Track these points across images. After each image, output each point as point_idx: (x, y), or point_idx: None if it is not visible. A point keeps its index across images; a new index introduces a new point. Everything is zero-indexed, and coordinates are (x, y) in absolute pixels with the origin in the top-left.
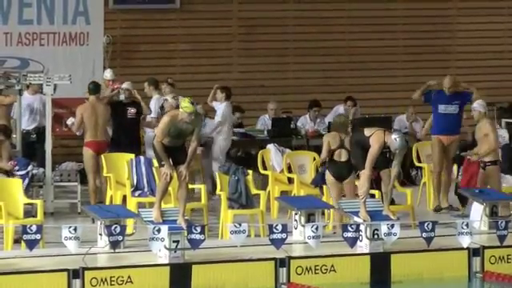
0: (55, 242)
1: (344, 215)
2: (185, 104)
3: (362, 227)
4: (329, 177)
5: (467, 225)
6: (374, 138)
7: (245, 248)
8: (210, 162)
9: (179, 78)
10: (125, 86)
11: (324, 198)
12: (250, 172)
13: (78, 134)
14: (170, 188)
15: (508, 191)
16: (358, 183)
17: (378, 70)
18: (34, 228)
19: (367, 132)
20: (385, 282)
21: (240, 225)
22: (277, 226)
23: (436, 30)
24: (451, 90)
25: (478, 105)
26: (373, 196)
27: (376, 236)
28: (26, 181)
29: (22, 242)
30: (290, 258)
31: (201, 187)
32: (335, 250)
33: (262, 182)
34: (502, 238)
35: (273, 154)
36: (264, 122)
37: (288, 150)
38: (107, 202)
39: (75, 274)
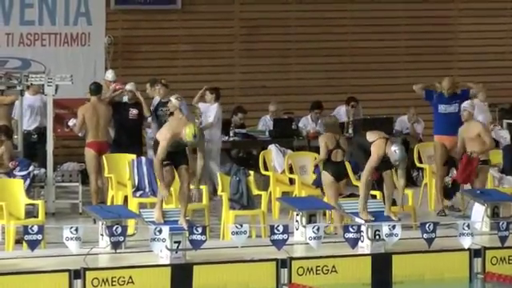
0: (56, 242)
1: (345, 216)
2: (188, 132)
3: (363, 228)
4: (327, 177)
5: (468, 226)
6: (375, 146)
7: (246, 249)
8: (208, 164)
9: (181, 79)
10: (128, 87)
11: (325, 199)
12: (252, 173)
13: (80, 134)
14: (171, 189)
15: (510, 192)
16: (359, 185)
17: (380, 70)
18: (35, 228)
19: (369, 137)
20: (386, 282)
21: (241, 225)
22: (278, 226)
23: (438, 30)
24: (450, 91)
25: (467, 105)
26: (374, 197)
27: (377, 237)
28: (28, 181)
29: (24, 242)
30: (292, 258)
31: (203, 188)
32: (336, 250)
33: (264, 183)
34: (503, 239)
35: (274, 155)
36: (265, 123)
37: (289, 151)
38: (108, 203)
39: (76, 274)
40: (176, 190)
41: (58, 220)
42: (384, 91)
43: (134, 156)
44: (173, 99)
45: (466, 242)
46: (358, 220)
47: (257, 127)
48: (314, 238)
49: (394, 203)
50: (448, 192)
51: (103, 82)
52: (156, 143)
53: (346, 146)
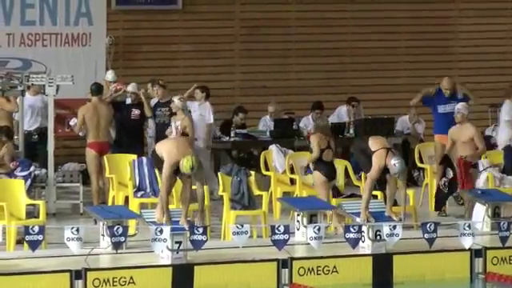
0: (57, 242)
1: (346, 215)
2: (186, 164)
3: (364, 228)
4: (319, 177)
5: (469, 226)
6: (376, 157)
7: (247, 249)
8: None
9: (181, 79)
10: (130, 88)
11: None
12: (253, 173)
13: (80, 134)
14: (172, 189)
15: (511, 192)
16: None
17: (381, 70)
18: (36, 229)
19: (371, 144)
20: (387, 282)
21: (242, 226)
22: (279, 226)
23: (438, 31)
24: (449, 91)
25: (462, 107)
26: (375, 197)
27: (378, 237)
28: (29, 182)
29: (25, 242)
30: (293, 258)
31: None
32: (337, 250)
33: (265, 183)
34: (504, 239)
35: (275, 155)
36: (265, 123)
37: (290, 151)
38: (109, 203)
39: (77, 274)
40: (177, 191)
41: (59, 220)
42: (385, 91)
43: (135, 156)
44: (176, 100)
45: (467, 242)
46: (358, 220)
47: (257, 127)
48: (315, 239)
49: (395, 203)
50: (439, 198)
51: (104, 82)
52: (155, 155)
53: (335, 147)
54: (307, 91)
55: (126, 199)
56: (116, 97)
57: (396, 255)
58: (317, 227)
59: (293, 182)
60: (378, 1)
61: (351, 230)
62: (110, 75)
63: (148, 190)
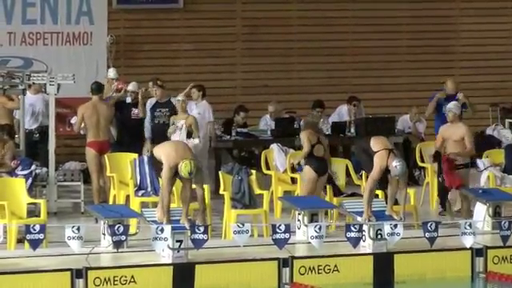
0: (58, 241)
1: (347, 214)
2: (184, 169)
3: (365, 227)
4: (310, 172)
5: (470, 225)
6: (378, 158)
7: (248, 248)
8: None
9: (183, 78)
10: (130, 87)
11: (327, 198)
12: (254, 172)
13: (81, 132)
14: (173, 188)
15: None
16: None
17: (382, 70)
18: (37, 228)
19: (373, 145)
20: (388, 282)
21: (243, 225)
22: (280, 225)
23: (439, 30)
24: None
25: (453, 106)
26: (376, 196)
27: (379, 236)
28: (30, 180)
29: (26, 241)
30: (293, 257)
31: (204, 187)
32: (338, 250)
33: (265, 182)
34: (505, 238)
35: (276, 154)
36: (266, 122)
37: (291, 150)
38: (110, 202)
39: (78, 273)
40: (178, 190)
41: (60, 219)
42: (386, 90)
43: (135, 155)
44: (180, 97)
45: (468, 242)
46: (359, 220)
47: (258, 126)
48: (316, 238)
49: (395, 203)
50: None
51: (105, 80)
52: (154, 158)
53: (325, 143)
54: (308, 90)
55: (127, 198)
56: (119, 97)
57: (397, 254)
58: (318, 226)
59: (294, 180)
60: (379, 0)
61: (352, 229)
62: (111, 73)
63: (149, 188)
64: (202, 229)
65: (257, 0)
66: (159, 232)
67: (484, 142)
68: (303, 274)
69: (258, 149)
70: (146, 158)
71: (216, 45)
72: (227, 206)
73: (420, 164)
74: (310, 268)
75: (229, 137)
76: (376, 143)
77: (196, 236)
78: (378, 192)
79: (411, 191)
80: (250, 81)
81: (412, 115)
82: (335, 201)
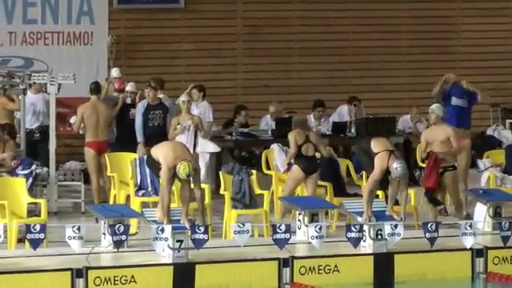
0: (59, 241)
1: (347, 215)
2: (182, 171)
3: (365, 227)
4: (297, 171)
5: (471, 225)
6: (379, 159)
7: (248, 248)
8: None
9: (184, 78)
10: (129, 88)
11: (327, 198)
12: (254, 172)
13: (80, 132)
14: (173, 188)
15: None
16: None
17: (382, 70)
18: (37, 227)
19: (374, 146)
20: (388, 282)
21: (243, 225)
22: (280, 226)
23: (440, 30)
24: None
25: (436, 107)
26: (376, 196)
27: (379, 236)
28: (30, 180)
29: (26, 241)
30: (294, 257)
31: (204, 187)
32: (339, 250)
33: (266, 182)
34: (505, 239)
35: (276, 154)
36: (267, 122)
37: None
38: (111, 202)
39: (79, 273)
40: (177, 189)
41: (61, 219)
42: (386, 90)
43: (136, 155)
44: (185, 99)
45: (468, 242)
46: (360, 220)
47: (259, 126)
48: (316, 238)
49: (396, 203)
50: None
51: (106, 80)
52: (151, 159)
53: (316, 140)
54: (309, 90)
55: (128, 198)
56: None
57: (397, 254)
58: (318, 226)
59: None
60: (380, 0)
61: (353, 229)
62: (115, 72)
63: (149, 188)
64: (202, 229)
65: (258, 0)
66: (159, 232)
67: (484, 143)
68: (303, 274)
69: (259, 149)
70: (146, 158)
71: (217, 45)
72: (228, 206)
73: (420, 164)
74: (310, 268)
75: (229, 137)
76: (376, 144)
77: (196, 236)
78: (379, 192)
79: (411, 191)
80: (250, 81)
81: (412, 115)
82: (335, 201)
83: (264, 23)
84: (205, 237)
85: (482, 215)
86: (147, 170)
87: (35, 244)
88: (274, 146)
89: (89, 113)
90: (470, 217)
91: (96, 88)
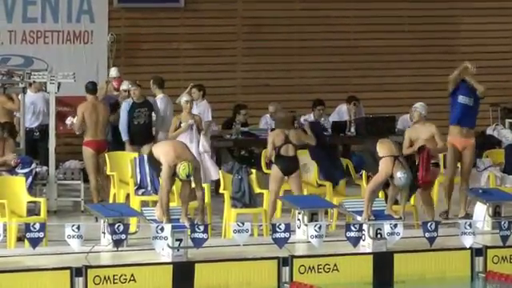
0: (58, 240)
1: (347, 214)
2: (182, 172)
3: (364, 227)
4: (276, 171)
5: (470, 225)
6: (384, 163)
7: (248, 247)
8: None
9: (183, 77)
10: (124, 87)
11: (327, 197)
12: (254, 171)
13: (77, 132)
14: (173, 187)
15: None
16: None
17: (383, 69)
18: (37, 226)
19: (379, 149)
20: (387, 281)
21: (243, 224)
22: (280, 225)
23: (441, 30)
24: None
25: (419, 106)
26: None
27: (379, 235)
28: (30, 179)
29: (25, 240)
30: (293, 257)
31: (204, 186)
32: (338, 249)
33: (266, 181)
34: (504, 238)
35: None
36: (266, 122)
37: None
38: (110, 201)
39: (78, 272)
40: (178, 188)
41: (60, 218)
42: (386, 90)
43: (136, 154)
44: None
45: (468, 241)
46: (359, 219)
47: (258, 126)
48: (316, 237)
49: (395, 202)
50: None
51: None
52: (152, 158)
53: (297, 139)
54: (309, 90)
55: (127, 197)
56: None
57: (397, 254)
58: (318, 225)
59: None
60: (381, 0)
61: (352, 228)
62: (114, 72)
63: (149, 187)
64: (202, 228)
65: None
66: (159, 231)
67: (484, 142)
68: (303, 273)
69: (259, 148)
70: (146, 157)
71: (216, 44)
72: (227, 205)
73: None
74: (309, 267)
75: (229, 136)
76: (382, 148)
77: (196, 235)
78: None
79: None
80: (250, 80)
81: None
82: (335, 200)
83: (264, 23)
84: (204, 236)
85: (482, 215)
86: (147, 168)
87: (35, 243)
88: None
89: (89, 112)
90: (469, 216)
91: (93, 87)
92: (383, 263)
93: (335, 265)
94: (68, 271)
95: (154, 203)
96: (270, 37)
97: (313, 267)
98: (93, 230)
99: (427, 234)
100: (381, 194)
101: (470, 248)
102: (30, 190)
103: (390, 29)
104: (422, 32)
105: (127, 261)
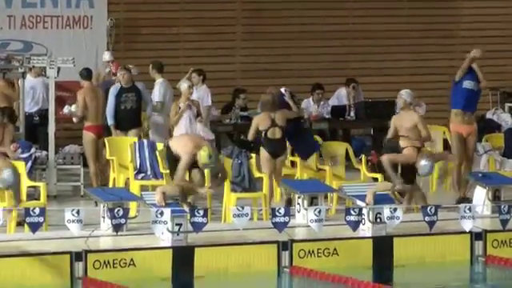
0: (58, 224)
1: (346, 198)
2: (203, 154)
3: (364, 211)
4: (263, 153)
5: (470, 209)
6: (407, 152)
7: (247, 231)
8: None
9: (183, 62)
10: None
11: (327, 181)
12: (253, 155)
13: (76, 120)
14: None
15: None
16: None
17: (382, 54)
18: (37, 211)
19: (401, 143)
20: (387, 265)
21: (243, 208)
22: (279, 209)
23: (441, 14)
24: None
25: (405, 93)
26: (376, 180)
27: (378, 220)
28: (29, 163)
29: (25, 224)
30: (293, 241)
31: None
32: (338, 233)
33: None
34: (504, 222)
35: None
36: None
37: None
38: (110, 185)
39: (78, 256)
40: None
41: (60, 202)
42: (386, 74)
43: (135, 139)
44: (186, 84)
45: (468, 225)
46: (359, 203)
47: (258, 110)
48: (316, 221)
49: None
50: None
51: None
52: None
53: (282, 120)
54: (309, 74)
55: (127, 181)
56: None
57: (396, 238)
58: (317, 210)
59: (293, 164)
60: None
61: (352, 212)
62: (107, 55)
63: (149, 172)
64: (201, 212)
65: None
66: (159, 215)
67: (484, 127)
68: (303, 258)
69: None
70: (145, 142)
71: (216, 28)
72: (227, 189)
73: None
74: (309, 251)
75: (228, 120)
76: (404, 142)
77: (195, 219)
78: (378, 176)
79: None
80: (250, 64)
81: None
82: (335, 184)
83: (263, 7)
84: (204, 220)
85: (482, 199)
86: (147, 153)
87: (34, 227)
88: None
89: (90, 97)
90: (468, 200)
91: (88, 74)
92: (383, 247)
93: (335, 249)
94: (68, 256)
95: (154, 188)
96: (269, 21)
97: (312, 251)
98: (93, 215)
99: (427, 218)
100: (380, 178)
101: (470, 232)
102: (30, 174)
103: (390, 13)
104: (421, 16)
105: (127, 245)
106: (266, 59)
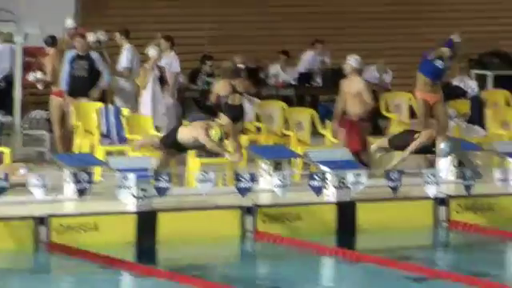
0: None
1: (312, 164)
2: (214, 134)
3: (328, 176)
4: (225, 119)
5: (434, 174)
6: (428, 129)
7: (212, 196)
8: None
9: (153, 28)
10: (91, 38)
11: (292, 147)
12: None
13: (39, 87)
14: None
15: (476, 142)
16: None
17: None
18: (1, 175)
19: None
20: (350, 230)
21: (207, 173)
22: (244, 174)
23: None
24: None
25: (352, 59)
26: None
27: (342, 184)
28: None
29: None
30: (257, 206)
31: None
32: (302, 199)
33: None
34: (468, 188)
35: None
36: None
37: (257, 100)
38: (76, 151)
39: (41, 221)
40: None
41: None
42: (355, 41)
43: (101, 104)
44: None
45: (431, 191)
46: (323, 168)
47: None
48: (280, 186)
49: None
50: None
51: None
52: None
53: (243, 88)
54: (278, 40)
55: (92, 147)
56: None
57: (360, 203)
58: (282, 175)
59: (259, 129)
60: None
61: (315, 177)
62: (69, 22)
63: (114, 138)
64: (165, 177)
65: None
66: (123, 180)
67: (449, 93)
68: (266, 223)
69: None
70: (112, 108)
71: None
72: (191, 154)
73: (385, 114)
74: (273, 216)
75: (195, 86)
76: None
77: (160, 184)
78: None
79: (374, 141)
80: (218, 31)
81: (379, 66)
82: (299, 150)
83: None
84: (168, 185)
85: (446, 165)
86: (113, 119)
87: None
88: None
89: (57, 63)
90: (432, 164)
91: (52, 40)
92: (346, 212)
93: (298, 214)
94: (31, 220)
95: (119, 153)
96: None
97: (277, 216)
98: (57, 180)
99: (390, 183)
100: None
101: (434, 198)
102: None
103: None
104: None
105: (91, 210)
106: (235, 26)
